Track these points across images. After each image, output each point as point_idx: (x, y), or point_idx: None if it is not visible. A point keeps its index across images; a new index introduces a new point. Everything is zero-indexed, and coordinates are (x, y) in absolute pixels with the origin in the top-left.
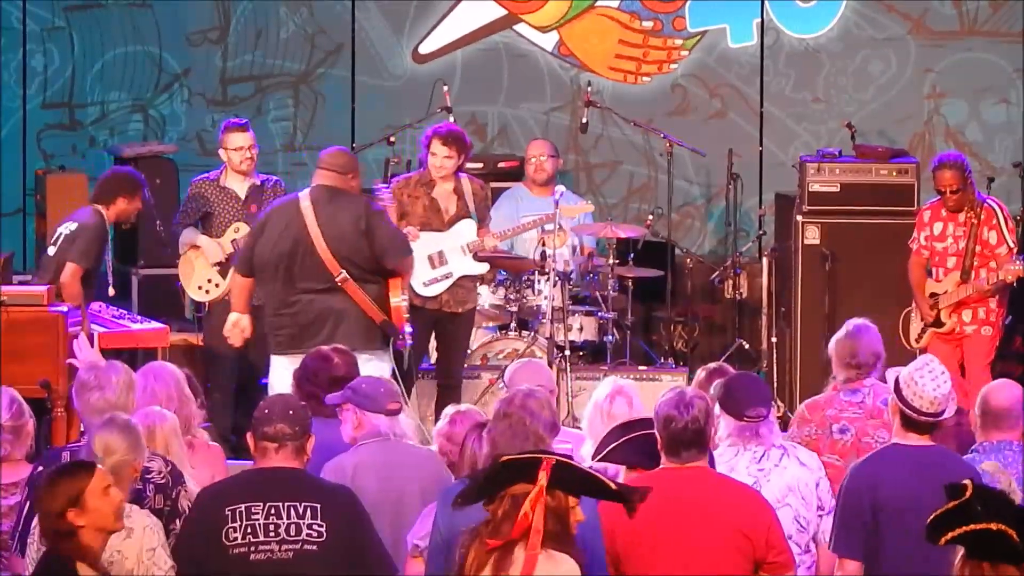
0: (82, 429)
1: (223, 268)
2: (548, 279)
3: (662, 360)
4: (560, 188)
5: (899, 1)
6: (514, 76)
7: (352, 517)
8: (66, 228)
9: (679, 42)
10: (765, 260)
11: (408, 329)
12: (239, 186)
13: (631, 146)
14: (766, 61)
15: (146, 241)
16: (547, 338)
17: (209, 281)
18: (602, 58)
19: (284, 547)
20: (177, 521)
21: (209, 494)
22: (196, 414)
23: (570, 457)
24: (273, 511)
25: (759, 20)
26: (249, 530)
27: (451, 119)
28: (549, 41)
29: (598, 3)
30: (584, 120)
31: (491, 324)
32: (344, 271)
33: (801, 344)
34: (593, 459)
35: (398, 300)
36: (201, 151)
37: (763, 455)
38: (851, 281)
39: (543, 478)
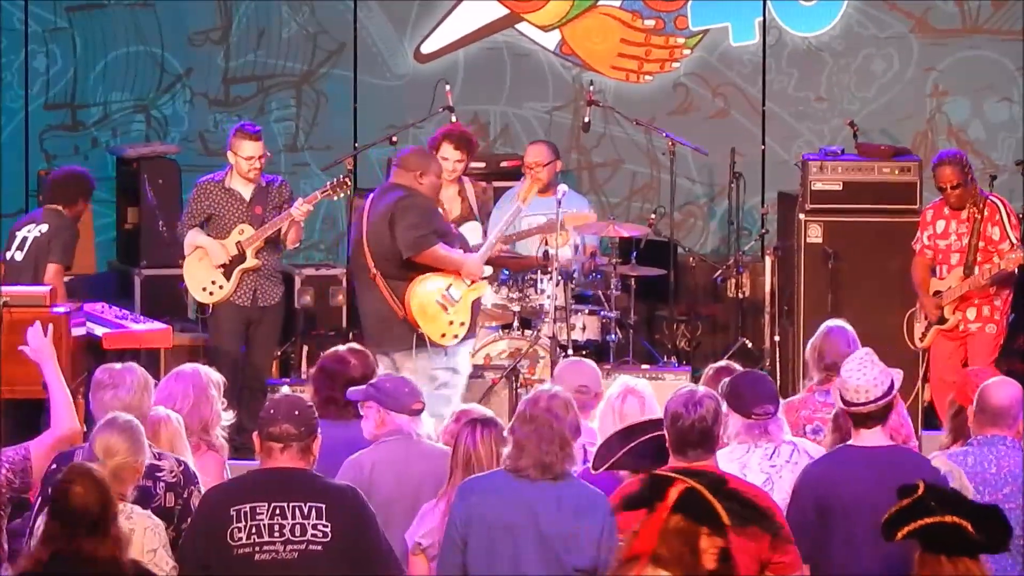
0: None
1: (227, 270)
2: (551, 278)
3: (665, 359)
4: (563, 187)
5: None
6: (516, 75)
7: (358, 518)
8: (32, 231)
9: (681, 41)
10: (768, 259)
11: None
12: (244, 188)
13: (633, 145)
14: (768, 60)
15: (148, 241)
16: (550, 337)
17: (213, 283)
18: (604, 57)
19: (289, 547)
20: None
21: (214, 494)
22: (216, 417)
23: (722, 480)
24: (278, 511)
25: (761, 19)
26: (254, 530)
27: (453, 119)
28: (551, 40)
29: (600, 2)
30: (586, 119)
31: (494, 323)
32: (375, 267)
33: (804, 342)
34: (594, 470)
35: (433, 293)
36: (204, 151)
37: (774, 451)
38: (854, 279)
39: (672, 495)
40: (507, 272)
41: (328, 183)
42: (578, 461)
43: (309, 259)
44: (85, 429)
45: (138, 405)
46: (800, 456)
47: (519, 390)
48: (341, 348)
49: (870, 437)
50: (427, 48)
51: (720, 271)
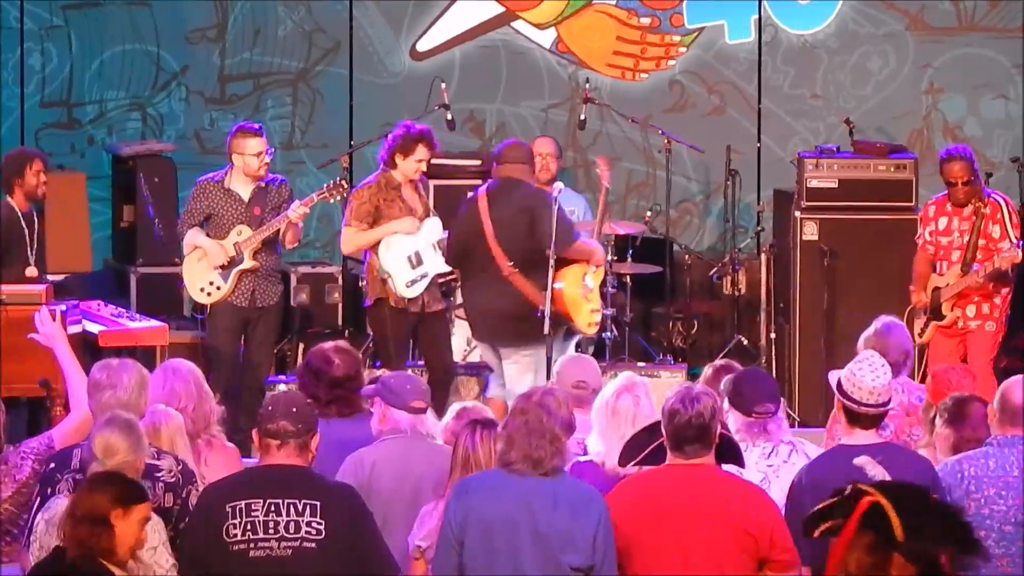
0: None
1: (225, 270)
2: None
3: (661, 356)
4: (558, 185)
5: None
6: (512, 73)
7: (353, 516)
8: None
9: (677, 38)
10: (764, 256)
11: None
12: (243, 188)
13: (629, 143)
14: (764, 57)
15: (144, 239)
16: (546, 335)
17: (211, 284)
18: (600, 55)
19: (283, 544)
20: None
21: (211, 491)
22: (215, 412)
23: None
24: (273, 508)
25: (757, 16)
26: (249, 527)
27: (449, 116)
28: (547, 38)
29: (595, 0)
30: (582, 117)
31: None
32: (513, 263)
33: (800, 340)
34: (622, 465)
35: (576, 285)
36: (199, 149)
37: (772, 451)
38: (850, 277)
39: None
40: None
41: (325, 185)
42: (571, 457)
43: (305, 257)
44: None
45: (136, 403)
46: (798, 456)
47: None
48: (327, 346)
49: (864, 436)
50: (423, 46)
51: (716, 268)
